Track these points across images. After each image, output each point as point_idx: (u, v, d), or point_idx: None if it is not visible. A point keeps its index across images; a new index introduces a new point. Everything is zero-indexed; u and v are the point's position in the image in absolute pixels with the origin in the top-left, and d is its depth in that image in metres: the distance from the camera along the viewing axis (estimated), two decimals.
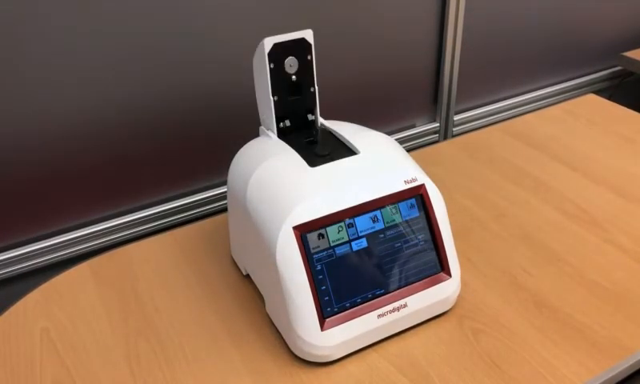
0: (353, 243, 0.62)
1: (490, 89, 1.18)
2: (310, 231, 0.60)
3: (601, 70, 1.32)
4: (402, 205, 0.64)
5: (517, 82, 1.21)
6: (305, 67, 0.70)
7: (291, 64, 0.69)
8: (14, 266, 0.82)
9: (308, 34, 0.69)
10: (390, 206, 0.64)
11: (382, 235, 0.63)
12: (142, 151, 0.86)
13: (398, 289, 0.63)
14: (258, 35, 0.87)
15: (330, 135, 0.71)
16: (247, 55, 0.88)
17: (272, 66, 0.68)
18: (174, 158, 0.89)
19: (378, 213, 0.63)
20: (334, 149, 0.68)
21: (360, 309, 0.62)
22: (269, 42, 0.67)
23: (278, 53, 0.68)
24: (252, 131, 0.76)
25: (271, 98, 0.69)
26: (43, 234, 0.84)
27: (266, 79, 0.68)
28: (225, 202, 0.76)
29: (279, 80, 0.69)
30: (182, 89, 0.85)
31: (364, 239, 0.62)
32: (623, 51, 1.29)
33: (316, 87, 0.71)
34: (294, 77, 0.70)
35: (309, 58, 0.70)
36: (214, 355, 0.64)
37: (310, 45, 0.69)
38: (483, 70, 1.15)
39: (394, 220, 0.64)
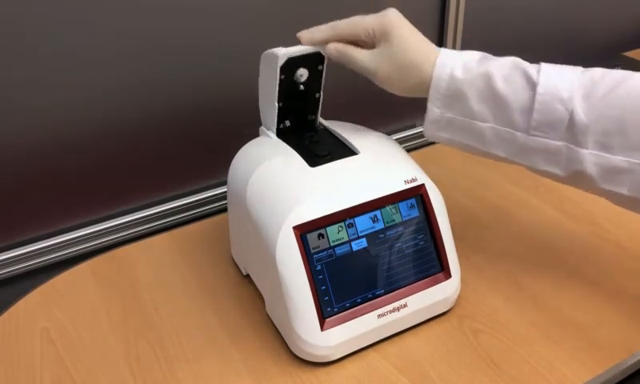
0: (353, 243, 0.62)
1: None
2: (310, 231, 0.60)
3: None
4: (402, 205, 0.64)
5: None
6: (314, 75, 0.70)
7: (301, 74, 0.68)
8: (14, 265, 0.82)
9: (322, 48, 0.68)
10: (390, 206, 0.64)
11: (382, 235, 0.63)
12: (141, 151, 0.86)
13: (397, 289, 0.63)
14: (257, 34, 0.87)
15: (330, 135, 0.71)
16: (247, 55, 0.88)
17: (282, 77, 0.67)
18: (173, 157, 0.89)
19: (378, 213, 0.63)
20: (334, 149, 0.68)
21: (360, 309, 0.62)
22: (283, 57, 0.66)
23: (290, 65, 0.67)
24: (252, 131, 0.76)
25: (276, 104, 0.69)
26: (43, 233, 0.84)
27: (274, 89, 0.68)
28: (225, 202, 0.76)
29: (287, 89, 0.69)
30: (181, 89, 0.85)
31: (364, 239, 0.62)
32: (623, 51, 1.29)
33: (322, 93, 0.71)
34: (302, 85, 0.69)
35: (319, 67, 0.69)
36: (213, 355, 0.64)
37: (324, 57, 0.69)
38: None
39: (394, 220, 0.64)
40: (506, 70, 0.61)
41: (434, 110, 0.64)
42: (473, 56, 0.64)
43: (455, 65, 0.62)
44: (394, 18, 0.63)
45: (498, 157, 0.64)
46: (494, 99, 0.61)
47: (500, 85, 0.61)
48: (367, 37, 0.64)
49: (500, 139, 0.62)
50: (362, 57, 0.64)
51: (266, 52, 0.68)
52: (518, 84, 0.60)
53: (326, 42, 0.66)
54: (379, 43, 0.63)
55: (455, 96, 0.62)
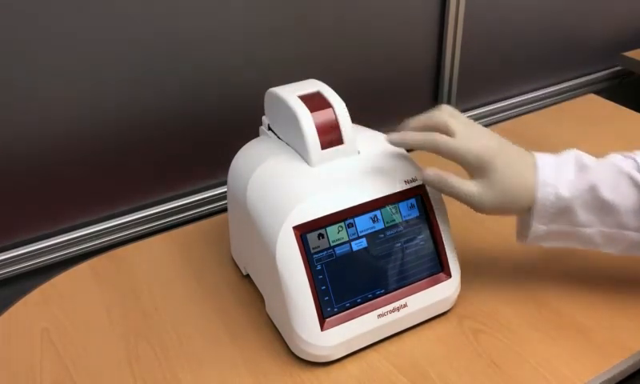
0: (353, 243, 0.62)
1: (489, 89, 1.18)
2: (310, 231, 0.60)
3: (601, 70, 1.32)
4: (402, 205, 0.64)
5: (517, 81, 1.21)
6: None
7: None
8: (14, 265, 0.82)
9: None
10: (390, 206, 0.64)
11: (382, 235, 0.63)
12: (141, 151, 0.86)
13: (397, 289, 0.63)
14: (256, 35, 0.87)
15: None
16: (247, 55, 0.88)
17: None
18: (173, 157, 0.89)
19: (377, 213, 0.63)
20: None
21: (360, 309, 0.62)
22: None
23: None
24: (252, 131, 0.76)
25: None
26: (43, 233, 0.84)
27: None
28: (225, 202, 0.76)
29: None
30: (181, 89, 0.85)
31: (364, 239, 0.62)
32: (623, 51, 1.29)
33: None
34: None
35: None
36: (214, 355, 0.64)
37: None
38: (483, 70, 1.15)
39: (393, 220, 0.64)
40: (609, 178, 0.61)
41: (539, 227, 0.63)
42: (570, 165, 0.62)
43: (558, 183, 0.61)
44: (494, 151, 0.61)
45: (606, 252, 0.65)
46: (602, 207, 0.61)
47: (607, 194, 0.61)
48: (465, 167, 0.62)
49: (610, 240, 0.63)
50: (465, 188, 0.62)
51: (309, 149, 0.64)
52: (625, 190, 0.61)
53: (412, 147, 0.65)
54: (478, 174, 0.62)
55: (561, 212, 0.62)
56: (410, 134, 0.64)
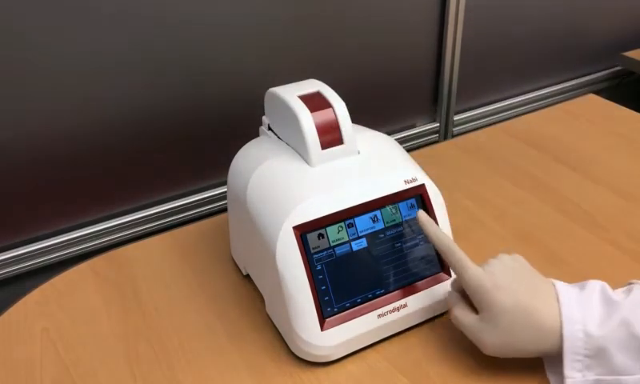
0: (353, 243, 0.62)
1: (490, 89, 1.18)
2: (310, 231, 0.60)
3: (601, 70, 1.32)
4: (402, 205, 0.64)
5: (517, 82, 1.21)
6: None
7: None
8: (14, 265, 0.82)
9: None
10: (390, 206, 0.64)
11: (382, 235, 0.63)
12: (141, 151, 0.86)
13: (397, 289, 0.63)
14: (257, 35, 0.87)
15: None
16: (247, 55, 0.88)
17: None
18: (173, 157, 0.89)
19: (377, 213, 0.63)
20: None
21: (360, 309, 0.62)
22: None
23: None
24: (252, 131, 0.76)
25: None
26: (43, 234, 0.84)
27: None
28: (225, 202, 0.76)
29: None
30: (181, 88, 0.85)
31: (364, 239, 0.62)
32: (623, 51, 1.29)
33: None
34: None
35: None
36: (213, 355, 0.64)
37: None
38: (483, 70, 1.15)
39: (394, 220, 0.64)
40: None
41: (574, 374, 0.54)
42: (593, 295, 0.55)
43: (585, 319, 0.54)
44: (498, 282, 0.56)
45: None
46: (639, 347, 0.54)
47: None
48: (469, 293, 0.58)
49: None
50: (466, 322, 0.58)
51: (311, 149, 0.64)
52: None
53: (430, 237, 0.60)
54: (478, 305, 0.57)
55: (596, 355, 0.53)
56: (435, 226, 0.61)
